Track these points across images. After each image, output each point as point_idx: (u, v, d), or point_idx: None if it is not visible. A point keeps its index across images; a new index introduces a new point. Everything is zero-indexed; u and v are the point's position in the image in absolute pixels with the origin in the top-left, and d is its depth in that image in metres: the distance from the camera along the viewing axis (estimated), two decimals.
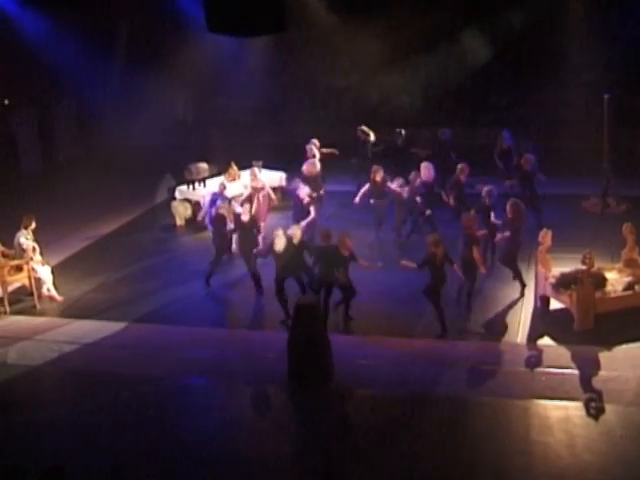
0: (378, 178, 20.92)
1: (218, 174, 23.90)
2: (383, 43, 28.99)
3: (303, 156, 22.60)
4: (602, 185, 22.24)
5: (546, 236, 16.76)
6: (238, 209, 19.43)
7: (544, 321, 16.54)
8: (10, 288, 18.58)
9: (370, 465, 12.32)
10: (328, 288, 16.41)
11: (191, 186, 23.87)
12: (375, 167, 21.19)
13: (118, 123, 29.52)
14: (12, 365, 15.91)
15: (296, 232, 16.64)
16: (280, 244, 16.52)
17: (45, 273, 18.63)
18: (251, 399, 14.77)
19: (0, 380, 15.28)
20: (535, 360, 15.11)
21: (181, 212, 23.78)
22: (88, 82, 28.65)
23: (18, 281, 18.67)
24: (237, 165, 23.60)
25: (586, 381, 14.15)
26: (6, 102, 27.90)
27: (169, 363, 15.61)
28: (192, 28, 24.21)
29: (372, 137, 24.66)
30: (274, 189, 23.65)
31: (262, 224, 19.97)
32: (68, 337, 16.89)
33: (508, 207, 17.26)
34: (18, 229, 18.55)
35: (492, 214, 18.35)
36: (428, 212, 20.09)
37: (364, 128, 24.62)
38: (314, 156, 22.69)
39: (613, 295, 16.20)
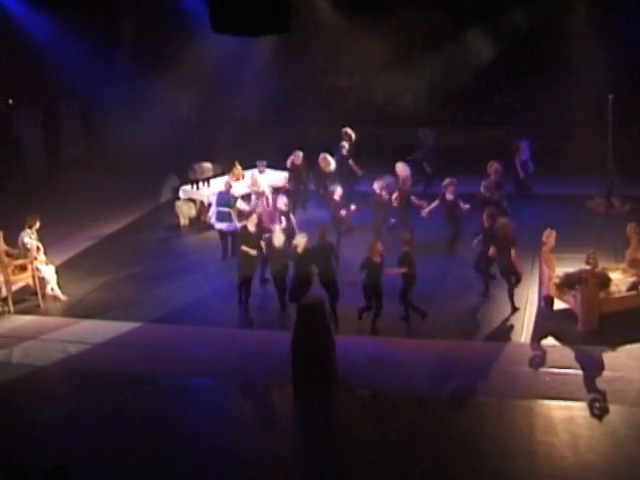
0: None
1: (222, 174, 23.88)
2: (388, 43, 28.97)
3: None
4: (606, 185, 22.20)
5: (550, 236, 16.75)
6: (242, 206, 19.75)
7: (548, 321, 16.53)
8: (14, 287, 18.60)
9: (373, 465, 12.33)
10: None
11: (195, 186, 23.87)
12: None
13: (122, 123, 29.50)
14: (16, 364, 15.94)
15: (300, 241, 16.68)
16: (279, 240, 16.74)
17: (49, 273, 18.65)
18: (255, 399, 14.77)
19: (4, 379, 15.30)
20: (539, 360, 15.08)
21: (185, 212, 23.78)
22: (93, 82, 28.65)
23: (22, 280, 18.69)
24: (241, 165, 23.59)
25: (590, 381, 14.14)
26: (10, 102, 27.90)
27: (173, 363, 15.62)
28: (197, 28, 24.19)
29: (353, 138, 24.66)
30: (278, 189, 23.65)
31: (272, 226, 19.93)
32: (72, 336, 16.91)
33: (484, 215, 17.20)
34: (22, 229, 18.56)
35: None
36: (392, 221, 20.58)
37: (348, 130, 24.59)
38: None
39: (617, 295, 16.20)
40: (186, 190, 24.10)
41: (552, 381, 14.22)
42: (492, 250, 16.73)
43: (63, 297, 18.72)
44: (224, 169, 23.96)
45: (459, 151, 25.99)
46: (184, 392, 14.86)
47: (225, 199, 20.60)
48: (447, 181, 19.82)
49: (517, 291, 17.56)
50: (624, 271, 17.01)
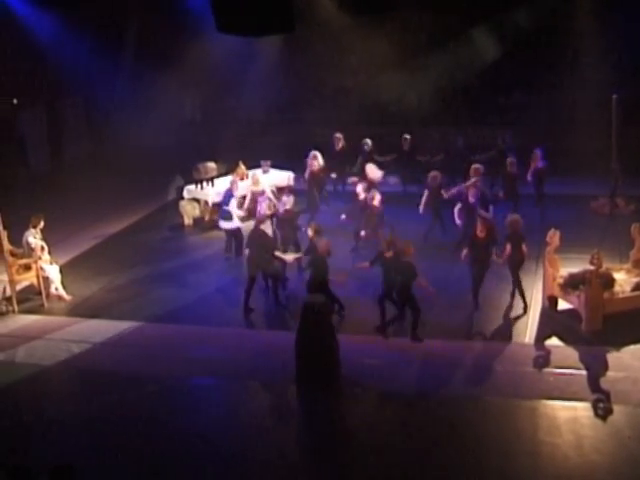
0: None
1: (226, 173, 23.91)
2: (392, 43, 28.95)
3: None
4: (611, 185, 22.19)
5: (554, 236, 16.75)
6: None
7: (552, 321, 16.52)
8: (18, 287, 18.65)
9: (377, 465, 12.33)
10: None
11: (199, 185, 23.89)
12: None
13: (126, 122, 29.51)
14: (20, 364, 15.95)
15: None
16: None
17: (53, 272, 18.67)
18: (258, 399, 14.75)
19: (8, 379, 15.31)
20: (543, 360, 15.07)
21: (189, 211, 23.81)
22: (97, 81, 28.67)
23: (26, 280, 18.74)
24: (245, 165, 23.60)
25: (594, 382, 14.13)
26: (15, 101, 27.91)
27: (176, 362, 15.63)
28: (201, 28, 24.17)
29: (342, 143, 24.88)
30: (282, 189, 23.67)
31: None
32: (76, 336, 16.92)
33: (478, 224, 16.96)
34: (26, 228, 18.60)
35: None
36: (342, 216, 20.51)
37: (338, 135, 24.68)
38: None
39: (621, 295, 16.18)
40: (190, 190, 24.12)
41: (556, 381, 14.21)
42: (508, 248, 16.72)
43: (67, 297, 18.73)
44: (228, 169, 23.99)
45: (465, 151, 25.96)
46: (188, 392, 14.86)
47: (228, 198, 20.62)
48: (470, 182, 19.88)
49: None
50: (628, 271, 17.01)
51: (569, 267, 16.87)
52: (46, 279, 18.57)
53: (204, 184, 23.90)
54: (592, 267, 15.93)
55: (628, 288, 16.35)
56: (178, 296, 18.69)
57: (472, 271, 16.95)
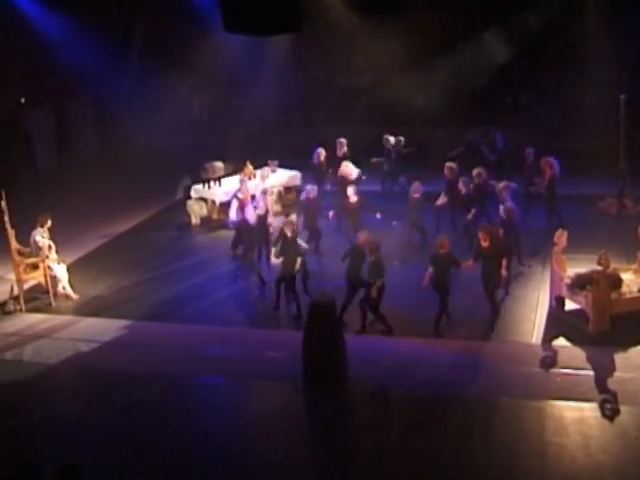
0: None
1: (234, 173, 23.92)
2: (401, 43, 28.95)
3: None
4: (618, 185, 22.11)
5: (561, 236, 16.73)
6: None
7: (559, 322, 16.50)
8: (26, 286, 18.70)
9: (384, 464, 12.32)
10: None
11: (207, 185, 23.91)
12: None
13: (134, 122, 29.57)
14: (27, 362, 15.99)
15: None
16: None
17: (61, 271, 18.70)
18: (265, 398, 14.75)
19: (15, 377, 15.34)
20: (550, 361, 15.06)
21: (196, 211, 23.83)
22: (105, 81, 28.73)
23: (34, 279, 18.78)
24: (253, 164, 23.60)
25: (601, 382, 14.11)
26: (22, 101, 27.93)
27: (183, 362, 15.65)
28: (209, 27, 24.20)
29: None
30: (289, 188, 23.66)
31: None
32: (83, 335, 16.96)
33: (480, 233, 16.66)
34: (34, 227, 18.63)
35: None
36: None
37: (342, 140, 24.63)
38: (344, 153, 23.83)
39: (629, 296, 16.14)
40: (198, 189, 24.14)
41: (563, 382, 14.20)
42: (501, 232, 17.08)
43: (74, 296, 18.77)
44: (236, 168, 23.99)
45: (472, 150, 25.95)
46: (195, 391, 14.88)
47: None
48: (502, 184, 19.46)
49: (528, 292, 17.62)
50: (636, 272, 16.96)
51: (576, 267, 16.83)
52: (53, 278, 18.61)
53: (212, 184, 23.93)
54: (599, 267, 15.91)
55: (635, 288, 16.31)
56: (185, 295, 18.72)
57: (483, 286, 16.65)
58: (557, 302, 16.87)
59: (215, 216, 23.52)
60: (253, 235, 19.21)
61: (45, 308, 18.38)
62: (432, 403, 13.90)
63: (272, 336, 16.81)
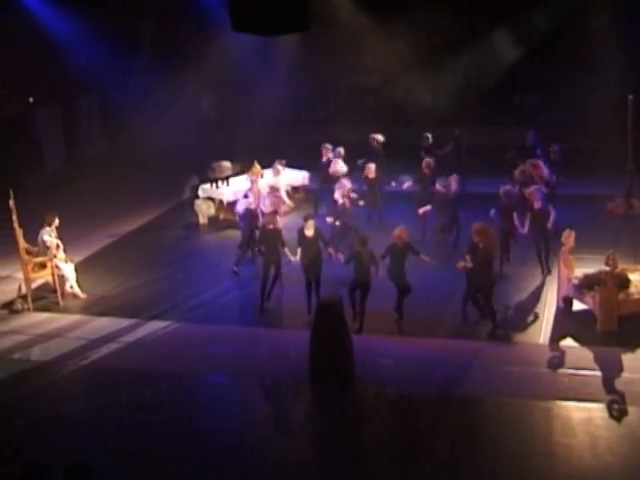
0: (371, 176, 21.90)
1: (241, 173, 23.93)
2: (408, 43, 28.95)
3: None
4: (626, 186, 22.08)
5: (569, 237, 16.71)
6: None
7: (567, 322, 16.47)
8: (34, 285, 18.73)
9: (390, 465, 12.33)
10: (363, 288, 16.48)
11: (214, 184, 23.92)
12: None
13: (142, 121, 29.62)
14: (35, 361, 16.04)
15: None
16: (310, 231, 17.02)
17: (68, 270, 18.73)
18: (272, 398, 14.79)
19: (23, 377, 15.38)
20: (558, 361, 15.04)
21: (204, 210, 23.83)
22: (112, 80, 28.79)
23: (42, 278, 18.80)
24: (260, 164, 23.58)
25: (609, 383, 14.09)
26: (31, 100, 28.01)
27: (191, 361, 15.67)
28: (216, 27, 24.21)
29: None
30: (296, 188, 23.64)
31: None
32: (91, 334, 16.98)
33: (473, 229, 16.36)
34: (42, 227, 18.65)
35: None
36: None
37: (378, 136, 24.55)
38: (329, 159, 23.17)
39: (636, 296, 16.10)
40: (205, 189, 24.15)
41: (571, 382, 14.18)
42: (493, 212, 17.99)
43: (82, 295, 18.79)
44: (243, 168, 23.99)
45: (479, 150, 25.89)
46: (202, 391, 14.92)
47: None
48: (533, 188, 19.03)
49: (535, 292, 17.61)
50: None
51: (584, 268, 16.83)
52: (61, 277, 18.64)
53: (219, 183, 23.93)
54: (607, 268, 15.90)
55: None
56: (192, 295, 18.72)
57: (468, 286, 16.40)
58: (565, 302, 16.85)
59: (222, 216, 23.53)
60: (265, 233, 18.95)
61: (53, 307, 18.41)
62: (439, 403, 13.88)
63: (279, 335, 16.83)
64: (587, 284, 16.19)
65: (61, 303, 18.48)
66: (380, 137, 24.01)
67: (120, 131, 30.97)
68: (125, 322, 17.43)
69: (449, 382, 14.42)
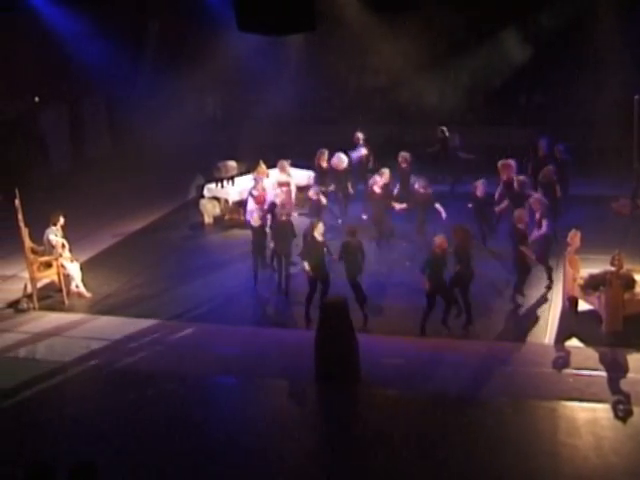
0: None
1: (247, 172, 23.93)
2: (414, 43, 28.91)
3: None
4: (632, 186, 22.08)
5: (575, 237, 16.69)
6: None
7: (572, 322, 16.45)
8: (39, 284, 18.75)
9: (395, 465, 12.32)
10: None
11: (220, 184, 23.92)
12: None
13: (147, 121, 29.61)
14: (40, 360, 16.04)
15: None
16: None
17: (74, 270, 18.75)
18: (278, 398, 14.75)
19: (28, 375, 15.36)
20: (563, 361, 15.01)
21: (209, 210, 23.85)
22: (118, 80, 28.78)
23: (47, 277, 18.82)
24: (266, 163, 23.58)
25: (614, 383, 14.06)
26: (36, 99, 28.05)
27: (196, 360, 15.66)
28: (222, 26, 24.21)
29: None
30: (302, 188, 23.63)
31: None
32: (96, 334, 16.99)
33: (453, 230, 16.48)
34: (47, 226, 18.67)
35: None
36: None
37: (444, 128, 24.67)
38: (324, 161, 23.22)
39: None
40: (210, 188, 24.16)
41: (576, 382, 14.16)
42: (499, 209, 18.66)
43: (88, 294, 18.81)
44: (249, 167, 24.00)
45: (485, 150, 25.89)
46: (207, 390, 14.93)
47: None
48: (479, 182, 19.96)
49: (541, 292, 17.59)
50: None
51: (589, 268, 16.81)
52: (67, 276, 18.66)
53: (224, 183, 23.94)
54: (613, 268, 15.88)
55: None
56: (198, 294, 18.72)
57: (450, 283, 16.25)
58: (570, 303, 16.82)
59: (228, 215, 23.54)
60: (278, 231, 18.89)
61: (58, 306, 18.42)
62: (444, 404, 13.87)
63: (285, 335, 16.81)
64: (592, 284, 16.18)
65: (66, 302, 18.49)
66: (408, 156, 22.62)
67: (125, 131, 31.00)
68: (130, 321, 17.43)
69: (455, 382, 14.40)
